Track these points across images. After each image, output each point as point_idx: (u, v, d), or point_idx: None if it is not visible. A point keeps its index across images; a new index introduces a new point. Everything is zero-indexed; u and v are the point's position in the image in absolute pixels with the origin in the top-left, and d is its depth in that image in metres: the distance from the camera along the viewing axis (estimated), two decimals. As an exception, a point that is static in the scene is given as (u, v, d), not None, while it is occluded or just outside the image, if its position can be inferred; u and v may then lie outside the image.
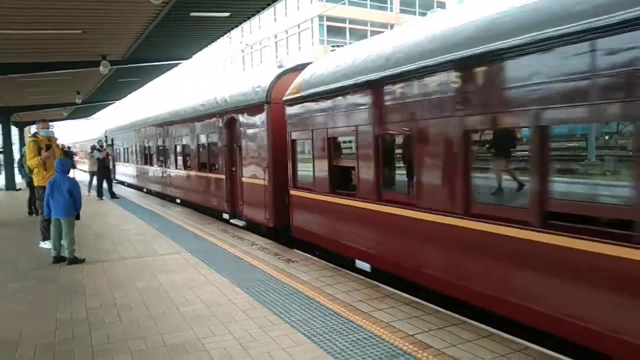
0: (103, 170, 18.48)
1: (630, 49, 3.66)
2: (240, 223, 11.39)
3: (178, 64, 16.30)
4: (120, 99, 26.71)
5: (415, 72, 5.76)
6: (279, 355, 4.36)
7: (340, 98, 7.43)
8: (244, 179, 11.11)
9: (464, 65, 5.11)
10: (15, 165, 23.00)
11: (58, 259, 8.20)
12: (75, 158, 30.69)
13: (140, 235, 10.54)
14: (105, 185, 18.45)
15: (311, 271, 7.19)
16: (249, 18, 11.48)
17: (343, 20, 43.16)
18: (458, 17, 5.63)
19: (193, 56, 15.25)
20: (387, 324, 5.07)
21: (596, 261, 3.93)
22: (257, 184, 10.40)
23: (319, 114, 8.08)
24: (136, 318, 5.44)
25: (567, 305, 4.20)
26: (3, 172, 23.89)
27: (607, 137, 4.76)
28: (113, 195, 18.43)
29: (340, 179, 7.84)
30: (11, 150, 23.90)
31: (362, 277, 6.84)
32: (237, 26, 12.06)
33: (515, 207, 4.86)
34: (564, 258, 4.18)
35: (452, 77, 5.28)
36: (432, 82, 5.54)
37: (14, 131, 27.80)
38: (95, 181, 18.78)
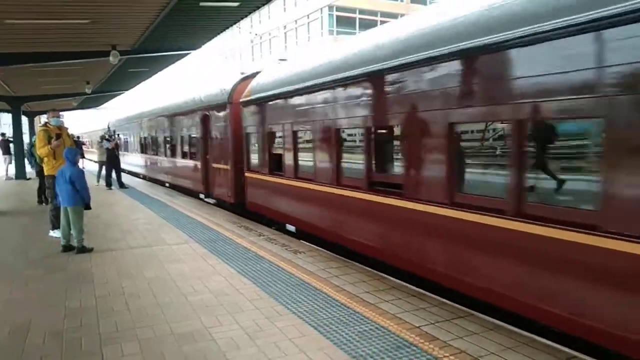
0: (112, 160, 18.57)
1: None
2: (212, 201, 13.96)
3: (187, 54, 16.30)
4: (130, 89, 26.79)
5: (306, 89, 8.47)
6: (285, 346, 4.38)
7: (273, 102, 9.89)
8: (213, 165, 13.54)
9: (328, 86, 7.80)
10: (25, 154, 23.22)
11: (67, 248, 8.27)
12: (84, 147, 30.96)
13: (148, 225, 10.60)
14: (114, 175, 18.56)
15: (318, 262, 7.20)
16: (258, 8, 11.43)
17: (353, 10, 42.92)
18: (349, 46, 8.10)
19: (202, 46, 15.25)
20: (394, 315, 5.07)
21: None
22: (222, 169, 12.86)
23: (261, 113, 10.60)
24: (144, 307, 5.48)
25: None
26: (14, 161, 24.03)
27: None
28: (122, 185, 18.53)
29: (275, 163, 10.10)
30: (22, 140, 24.10)
31: (369, 269, 6.84)
32: (246, 16, 12.02)
33: (355, 178, 7.37)
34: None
35: (324, 94, 7.95)
36: (317, 96, 8.15)
37: (24, 120, 27.98)
38: (104, 171, 18.88)
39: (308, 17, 44.93)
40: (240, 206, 11.94)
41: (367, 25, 39.60)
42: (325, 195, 8.08)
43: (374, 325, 4.82)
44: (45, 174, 9.47)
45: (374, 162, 7.05)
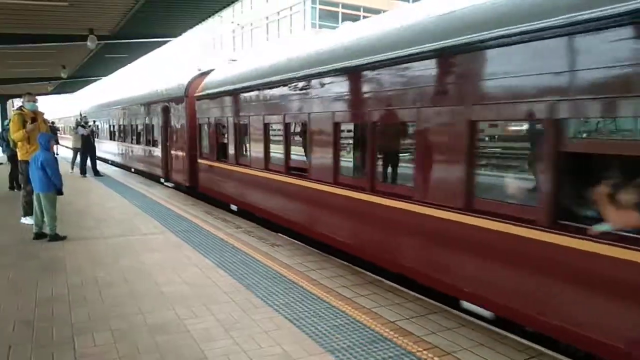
0: (87, 147, 18.21)
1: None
2: (170, 184, 15.41)
3: (167, 41, 16.06)
4: (108, 75, 26.26)
5: (242, 89, 10.05)
6: (261, 338, 4.37)
7: (220, 98, 11.31)
8: (172, 152, 14.97)
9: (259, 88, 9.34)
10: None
11: (39, 235, 8.10)
12: (58, 133, 30.56)
13: (123, 214, 10.45)
14: (89, 162, 18.21)
15: (295, 256, 7.21)
16: (240, -2, 11.31)
17: (336, 4, 42.82)
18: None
19: (183, 34, 15.03)
20: (369, 310, 5.11)
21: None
22: (179, 156, 14.27)
23: (210, 107, 11.94)
24: (118, 297, 5.41)
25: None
26: None
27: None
28: (97, 173, 18.19)
29: (221, 152, 11.56)
30: (-7, 124, 23.44)
31: (346, 263, 6.87)
32: (228, 5, 11.89)
33: (278, 164, 8.88)
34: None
35: (255, 94, 9.53)
36: (251, 95, 9.75)
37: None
38: (79, 158, 18.51)
39: (291, 9, 44.68)
40: (194, 189, 13.44)
41: (349, 19, 39.56)
42: (258, 179, 9.62)
43: (350, 319, 4.85)
44: (19, 159, 9.23)
45: (290, 151, 8.58)
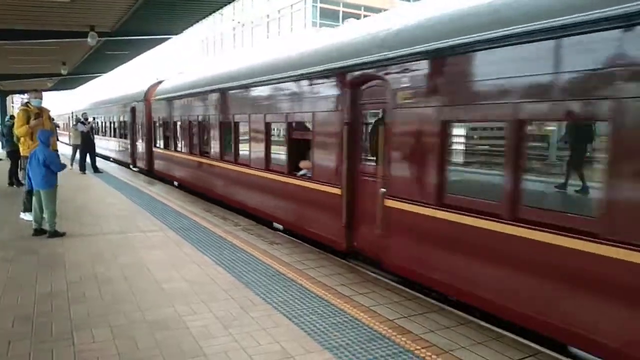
0: (87, 143, 18.18)
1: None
2: (136, 169, 19.76)
3: (168, 38, 16.06)
4: (108, 71, 26.24)
5: (178, 97, 14.07)
6: (259, 335, 4.39)
7: (165, 102, 15.39)
8: (137, 144, 19.29)
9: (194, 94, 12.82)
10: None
11: (38, 232, 8.11)
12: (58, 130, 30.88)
13: (123, 211, 10.45)
14: (88, 159, 18.18)
15: (294, 254, 7.22)
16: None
17: (337, 3, 42.79)
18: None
19: (183, 32, 15.02)
20: (368, 308, 5.13)
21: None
22: (141, 146, 18.61)
23: (160, 109, 16.11)
24: (117, 293, 5.42)
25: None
26: None
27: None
28: (96, 170, 18.19)
29: (166, 142, 15.70)
30: (-7, 119, 23.43)
31: (345, 261, 6.89)
32: (229, 3, 11.89)
33: (205, 151, 12.35)
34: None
35: (186, 101, 13.43)
36: (183, 101, 13.69)
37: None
38: (78, 155, 18.49)
39: (291, 8, 44.64)
40: (151, 172, 17.65)
41: (350, 17, 39.53)
42: (191, 161, 13.38)
43: (348, 317, 4.87)
44: (22, 154, 9.25)
45: (203, 141, 12.52)
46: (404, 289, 5.80)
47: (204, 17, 13.23)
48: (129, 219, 9.57)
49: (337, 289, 5.71)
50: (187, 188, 13.90)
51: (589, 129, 4.24)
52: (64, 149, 26.31)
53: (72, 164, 18.89)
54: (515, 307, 4.48)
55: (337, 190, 6.95)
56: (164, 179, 16.13)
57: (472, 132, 5.41)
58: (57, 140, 24.92)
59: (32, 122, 8.73)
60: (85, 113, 20.34)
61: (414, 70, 5.54)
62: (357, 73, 6.51)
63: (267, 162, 9.05)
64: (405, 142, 5.70)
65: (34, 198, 8.18)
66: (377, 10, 38.87)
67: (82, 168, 17.84)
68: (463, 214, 4.90)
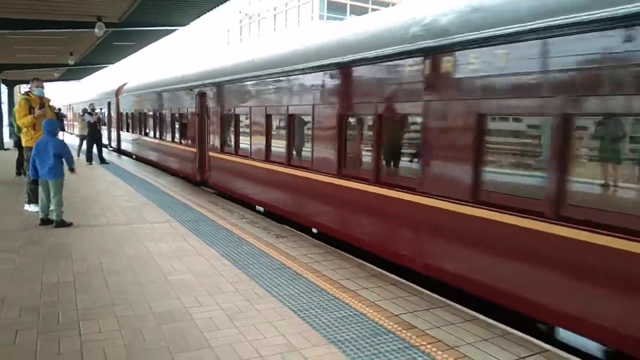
0: (94, 134, 18.24)
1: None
2: (110, 148, 25.21)
3: (175, 30, 16.02)
4: (114, 62, 26.26)
5: (138, 94, 19.66)
6: (264, 328, 4.39)
7: (127, 98, 21.48)
8: (112, 129, 25.26)
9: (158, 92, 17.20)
10: (6, 124, 22.73)
11: (45, 221, 8.14)
12: (65, 121, 31.36)
13: (129, 202, 10.49)
14: (95, 150, 18.25)
15: (300, 247, 7.22)
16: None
17: (344, -4, 42.55)
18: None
19: (190, 23, 14.98)
20: (373, 302, 5.12)
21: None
22: (113, 131, 24.87)
23: (124, 103, 21.99)
24: (123, 284, 5.44)
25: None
26: None
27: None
28: (103, 161, 18.23)
29: (129, 127, 21.35)
30: (0, 109, 23.48)
31: (350, 256, 6.88)
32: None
33: (163, 137, 16.73)
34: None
35: (146, 96, 18.32)
36: (143, 98, 18.77)
37: (3, 90, 27.27)
38: (85, 145, 18.55)
39: (299, 1, 44.45)
40: (120, 151, 23.64)
41: (358, 11, 39.38)
42: (140, 140, 19.34)
43: (353, 312, 4.86)
44: (24, 145, 9.24)
45: (155, 126, 17.01)
46: (409, 284, 5.78)
47: (212, 8, 13.18)
48: (136, 210, 9.60)
49: (342, 283, 5.71)
50: (143, 160, 19.87)
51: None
52: (71, 140, 26.67)
53: (78, 155, 18.97)
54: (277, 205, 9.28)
55: (193, 150, 13.15)
56: (130, 155, 21.91)
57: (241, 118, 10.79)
58: (64, 130, 25.46)
59: (37, 112, 8.69)
60: (92, 104, 20.39)
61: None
62: (197, 90, 12.71)
63: (172, 137, 15.23)
64: (213, 125, 12.02)
65: (40, 188, 8.19)
66: (385, 4, 38.67)
67: (89, 159, 17.90)
68: (240, 156, 10.53)
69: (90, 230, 7.93)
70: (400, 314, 4.84)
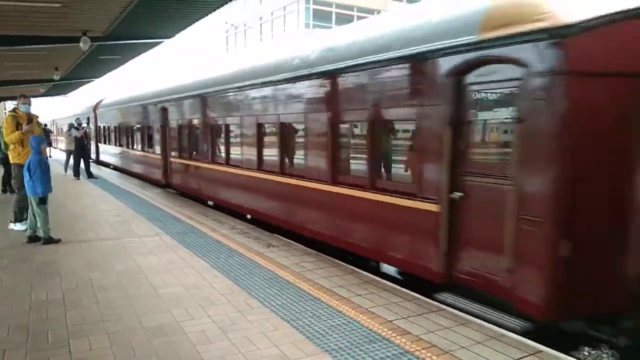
0: (81, 149, 18.10)
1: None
2: (92, 160, 22.80)
3: (160, 42, 15.98)
4: (100, 76, 26.11)
5: (109, 109, 22.88)
6: (258, 339, 4.35)
7: (102, 112, 24.41)
8: (91, 142, 23.67)
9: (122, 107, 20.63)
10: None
11: (33, 239, 8.04)
12: (52, 136, 31.45)
13: (118, 217, 10.39)
14: (82, 165, 18.10)
15: (292, 256, 7.19)
16: (235, -2, 11.26)
17: (329, 4, 42.79)
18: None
19: (176, 35, 14.96)
20: (366, 309, 5.10)
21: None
22: (93, 143, 25.11)
23: (100, 116, 25.01)
24: (113, 300, 5.37)
25: None
26: None
27: None
28: (90, 175, 18.09)
29: (105, 139, 24.46)
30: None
31: (343, 263, 6.86)
32: (222, 5, 11.84)
33: (129, 145, 20.01)
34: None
35: (118, 111, 21.01)
36: (115, 112, 21.57)
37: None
38: (72, 160, 18.39)
39: (284, 9, 44.62)
40: (98, 161, 25.50)
41: (343, 19, 39.58)
42: (128, 154, 19.81)
43: (347, 319, 4.84)
44: (12, 162, 9.10)
45: (128, 137, 19.57)
46: (402, 289, 5.78)
47: (197, 20, 13.16)
48: (124, 224, 9.51)
49: (335, 290, 5.68)
50: (119, 169, 21.84)
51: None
52: (58, 155, 26.66)
53: (66, 170, 18.81)
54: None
55: (159, 157, 15.31)
56: (108, 165, 23.81)
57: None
58: (50, 145, 25.37)
59: (25, 127, 8.60)
60: (78, 118, 20.29)
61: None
62: (160, 105, 15.02)
63: (142, 147, 17.28)
64: (172, 135, 14.36)
65: (30, 205, 8.08)
66: (371, 11, 38.95)
67: (76, 174, 17.75)
68: (193, 160, 12.86)
69: (79, 246, 7.84)
70: (394, 320, 4.82)
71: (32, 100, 9.66)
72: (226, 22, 49.10)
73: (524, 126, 4.53)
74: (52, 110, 46.56)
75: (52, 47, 14.51)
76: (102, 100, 25.08)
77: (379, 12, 40.07)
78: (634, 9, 4.20)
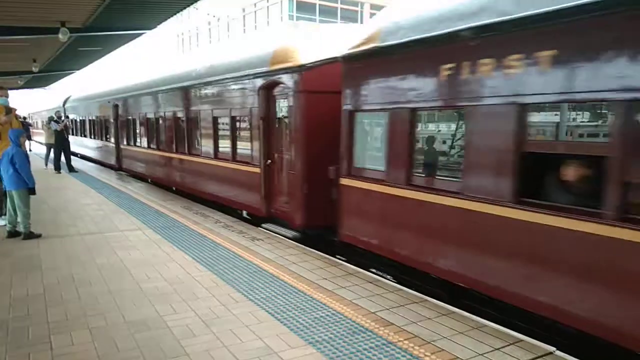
0: (61, 142, 17.80)
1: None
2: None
3: (142, 34, 15.75)
4: (81, 68, 25.65)
5: (78, 103, 25.24)
6: (242, 332, 4.36)
7: (72, 106, 26.27)
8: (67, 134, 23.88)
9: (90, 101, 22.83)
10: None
11: (13, 234, 7.92)
12: (31, 129, 31.12)
13: (100, 211, 10.28)
14: (63, 158, 17.82)
15: (276, 249, 7.19)
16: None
17: (313, -4, 42.53)
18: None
19: (157, 26, 14.75)
20: (350, 301, 5.14)
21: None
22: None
23: (70, 111, 26.25)
24: (95, 294, 5.33)
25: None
26: None
27: None
28: (71, 169, 17.83)
29: (79, 131, 25.32)
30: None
31: (327, 256, 6.89)
32: (203, -3, 11.70)
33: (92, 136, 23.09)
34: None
35: (80, 105, 24.56)
36: (86, 106, 23.39)
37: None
38: (52, 154, 18.10)
39: (267, 1, 44.27)
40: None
41: (327, 11, 39.46)
42: (91, 143, 22.53)
43: (331, 311, 4.87)
44: (-12, 155, 8.94)
45: (89, 130, 23.09)
46: (386, 281, 5.83)
47: (178, 12, 13.00)
48: (107, 219, 9.41)
49: (319, 283, 5.71)
50: (85, 157, 24.40)
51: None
52: (39, 149, 26.26)
53: (46, 164, 18.51)
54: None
55: (113, 145, 18.37)
56: (76, 154, 24.18)
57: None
58: (31, 139, 24.99)
59: (3, 118, 8.46)
60: (58, 111, 19.97)
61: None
62: (113, 102, 17.88)
63: (101, 137, 20.67)
64: (121, 126, 17.60)
65: (8, 199, 7.96)
66: (354, 3, 38.83)
67: (57, 167, 17.47)
68: (135, 146, 16.28)
69: (60, 241, 7.74)
70: (377, 312, 4.86)
71: (10, 93, 9.46)
72: (208, 14, 48.56)
73: (290, 120, 7.92)
74: (28, 104, 46.85)
75: (30, 38, 14.21)
76: (70, 96, 27.90)
77: (362, 4, 40.04)
78: (328, 59, 7.38)
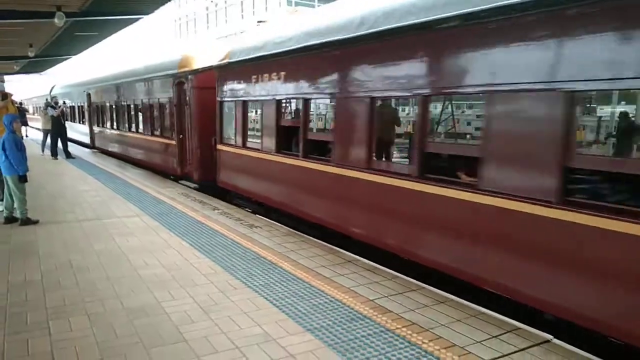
0: (58, 128, 17.68)
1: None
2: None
3: (139, 18, 15.61)
4: (77, 53, 25.47)
5: (66, 89, 27.54)
6: (240, 319, 4.37)
7: (59, 93, 27.57)
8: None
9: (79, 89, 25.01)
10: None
11: (10, 220, 7.90)
12: (27, 115, 31.05)
13: (97, 197, 10.25)
14: (60, 144, 17.72)
15: (274, 237, 7.19)
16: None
17: (312, -18, 42.15)
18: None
19: (155, 11, 14.62)
20: (348, 289, 5.15)
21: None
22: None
23: (60, 95, 26.35)
24: (93, 281, 5.32)
25: None
26: None
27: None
28: (68, 155, 17.73)
29: (71, 116, 25.79)
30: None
31: (325, 244, 6.89)
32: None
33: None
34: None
35: (69, 92, 26.79)
36: (68, 93, 26.62)
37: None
38: (49, 140, 18.00)
39: (266, -13, 43.83)
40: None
41: (326, -2, 38.99)
42: (73, 126, 24.38)
43: (329, 298, 4.88)
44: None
45: (86, 117, 23.35)
46: (383, 269, 5.84)
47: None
48: (104, 205, 9.39)
49: (317, 270, 5.72)
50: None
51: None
52: (36, 134, 26.17)
53: (43, 150, 18.43)
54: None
55: (87, 127, 22.65)
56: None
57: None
58: (26, 125, 24.82)
59: None
60: (55, 97, 19.83)
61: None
62: (86, 91, 22.30)
63: (80, 121, 23.94)
64: (93, 111, 21.70)
65: (5, 185, 7.93)
66: (353, -11, 38.26)
67: (54, 153, 17.38)
68: (105, 127, 20.06)
69: (58, 227, 7.72)
70: (376, 299, 4.88)
71: (9, 78, 9.43)
72: (206, -1, 48.12)
73: (188, 108, 11.60)
74: (21, 91, 47.01)
75: (26, 22, 14.10)
76: (54, 85, 31.06)
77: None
78: (210, 66, 10.58)
